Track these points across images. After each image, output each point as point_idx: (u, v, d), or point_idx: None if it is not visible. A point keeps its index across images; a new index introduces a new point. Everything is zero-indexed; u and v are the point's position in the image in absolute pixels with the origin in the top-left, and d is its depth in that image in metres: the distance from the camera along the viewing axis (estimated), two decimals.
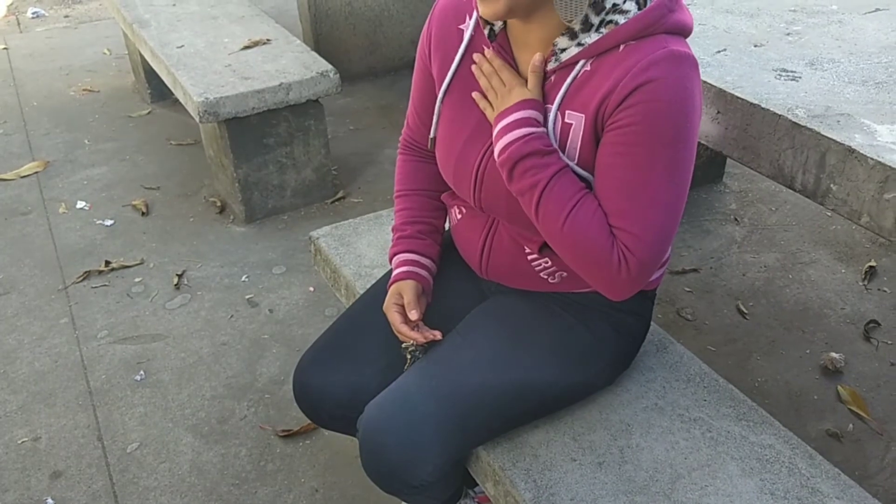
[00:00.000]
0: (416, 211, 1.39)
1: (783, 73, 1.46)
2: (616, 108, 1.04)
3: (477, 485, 1.51)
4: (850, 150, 1.20)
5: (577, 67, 1.09)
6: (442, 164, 1.28)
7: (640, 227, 1.07)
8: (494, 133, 1.14)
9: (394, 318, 1.30)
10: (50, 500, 1.79)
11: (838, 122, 1.27)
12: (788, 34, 1.64)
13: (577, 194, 1.09)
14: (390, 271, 1.44)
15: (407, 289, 1.32)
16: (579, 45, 1.07)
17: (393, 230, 1.41)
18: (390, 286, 1.35)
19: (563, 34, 1.08)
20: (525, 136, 1.10)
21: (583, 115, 1.08)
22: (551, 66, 1.10)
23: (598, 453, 1.25)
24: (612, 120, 1.05)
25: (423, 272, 1.36)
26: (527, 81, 1.13)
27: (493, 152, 1.16)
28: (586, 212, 1.09)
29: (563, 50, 1.09)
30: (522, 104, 1.11)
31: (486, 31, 1.17)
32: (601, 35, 1.05)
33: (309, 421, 1.63)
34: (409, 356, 1.30)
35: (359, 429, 1.23)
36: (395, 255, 1.38)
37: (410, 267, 1.35)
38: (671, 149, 1.05)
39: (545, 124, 1.11)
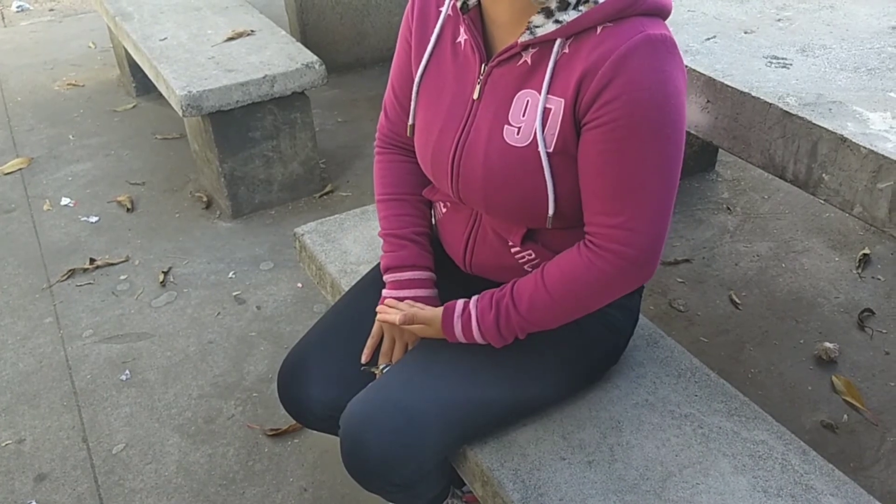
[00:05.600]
0: (418, 218, 1.33)
1: (774, 61, 1.43)
2: (594, 99, 1.01)
3: (465, 484, 1.48)
4: (843, 139, 1.18)
5: (556, 48, 1.05)
6: (420, 155, 1.25)
7: (636, 221, 1.05)
8: (463, 342, 1.21)
9: (400, 350, 1.30)
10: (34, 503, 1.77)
11: (830, 110, 1.25)
12: (779, 20, 1.60)
13: (534, 275, 1.15)
14: (376, 267, 1.41)
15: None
16: (557, 21, 1.04)
17: (392, 237, 1.32)
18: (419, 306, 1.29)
19: (538, 13, 1.05)
20: (476, 324, 1.18)
21: (562, 100, 1.05)
22: (524, 38, 1.07)
23: (587, 451, 1.23)
24: (593, 116, 1.03)
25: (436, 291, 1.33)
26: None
27: (466, 139, 1.14)
28: (551, 270, 1.14)
29: (539, 27, 1.05)
30: (446, 327, 1.20)
31: (458, 4, 1.14)
32: (580, 13, 1.02)
33: None
34: (380, 374, 1.28)
35: (340, 425, 1.20)
36: (410, 266, 1.30)
37: (432, 290, 1.32)
38: (659, 137, 1.02)
39: (536, 110, 1.08)
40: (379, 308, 1.28)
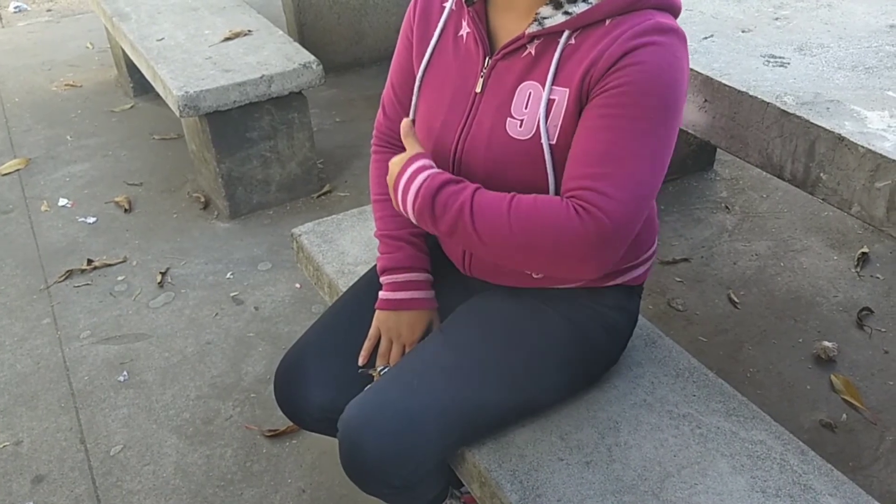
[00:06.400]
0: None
1: (771, 60, 1.42)
2: (603, 74, 1.01)
3: (463, 485, 1.48)
4: (840, 138, 1.17)
5: (563, 40, 1.05)
6: None
7: (617, 189, 1.00)
8: (399, 192, 1.10)
9: (398, 352, 1.29)
10: None
11: (828, 109, 1.24)
12: (777, 19, 1.60)
13: (506, 194, 1.05)
14: (373, 269, 1.40)
15: (429, 320, 1.30)
16: (566, 13, 1.04)
17: (389, 238, 1.32)
18: (411, 308, 1.29)
19: (547, 4, 1.05)
20: (428, 176, 1.07)
21: (567, 90, 1.05)
22: (532, 29, 1.07)
23: (585, 452, 1.22)
24: (600, 85, 1.02)
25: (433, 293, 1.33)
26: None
27: (469, 132, 1.14)
28: (526, 199, 1.03)
29: (547, 18, 1.05)
30: (411, 160, 1.10)
31: None
32: (589, 6, 1.03)
33: None
34: (377, 376, 1.28)
35: (338, 428, 1.20)
36: (407, 268, 1.30)
37: (429, 292, 1.31)
38: (657, 113, 1.01)
39: (539, 102, 1.07)
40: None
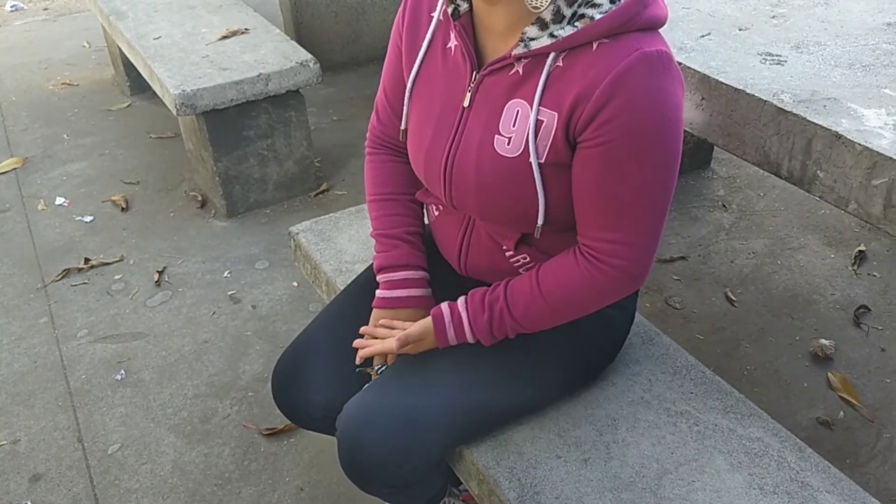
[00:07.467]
0: (410, 218, 1.33)
1: (768, 58, 1.42)
2: (591, 119, 1.00)
3: (462, 483, 1.48)
4: (837, 136, 1.18)
5: (549, 61, 1.04)
6: (413, 160, 1.24)
7: (635, 235, 1.07)
8: (451, 341, 1.21)
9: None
10: None
11: (825, 106, 1.24)
12: (774, 17, 1.60)
13: (529, 279, 1.15)
14: (370, 267, 1.40)
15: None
16: (552, 36, 1.03)
17: (385, 237, 1.32)
18: (408, 306, 1.28)
19: (532, 24, 1.04)
20: (470, 324, 1.18)
21: (556, 114, 1.04)
22: (518, 50, 1.06)
23: (583, 449, 1.22)
24: (590, 135, 1.02)
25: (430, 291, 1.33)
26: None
27: (458, 147, 1.13)
28: (549, 279, 1.14)
29: (533, 39, 1.04)
30: (439, 329, 1.20)
31: (449, 10, 1.12)
32: (576, 29, 1.01)
33: None
34: (375, 375, 1.28)
35: (337, 427, 1.20)
36: (403, 266, 1.30)
37: (426, 290, 1.31)
38: (656, 154, 1.02)
39: (527, 121, 1.07)
40: (359, 344, 1.27)
